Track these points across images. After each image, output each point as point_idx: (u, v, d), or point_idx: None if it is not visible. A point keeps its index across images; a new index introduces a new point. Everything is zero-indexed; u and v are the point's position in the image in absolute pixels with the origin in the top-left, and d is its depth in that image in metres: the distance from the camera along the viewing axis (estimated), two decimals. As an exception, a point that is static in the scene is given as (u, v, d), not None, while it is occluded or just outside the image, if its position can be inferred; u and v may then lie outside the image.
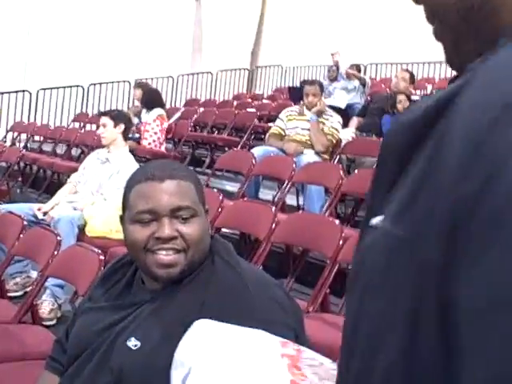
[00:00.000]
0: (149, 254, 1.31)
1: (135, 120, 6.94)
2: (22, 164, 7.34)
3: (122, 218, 1.39)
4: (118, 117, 4.25)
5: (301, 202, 4.82)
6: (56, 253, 2.80)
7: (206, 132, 7.56)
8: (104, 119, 4.25)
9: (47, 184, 6.45)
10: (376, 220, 0.52)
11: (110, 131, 4.21)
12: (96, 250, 2.62)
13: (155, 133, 6.43)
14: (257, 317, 1.25)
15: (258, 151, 4.97)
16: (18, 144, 8.45)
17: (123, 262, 1.47)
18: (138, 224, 1.33)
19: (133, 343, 1.28)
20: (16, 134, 8.66)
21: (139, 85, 7.55)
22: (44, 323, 3.34)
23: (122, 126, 4.24)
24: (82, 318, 1.45)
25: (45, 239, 2.95)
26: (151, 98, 6.71)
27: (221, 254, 1.37)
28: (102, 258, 2.54)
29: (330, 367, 0.93)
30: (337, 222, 3.03)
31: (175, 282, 1.33)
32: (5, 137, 8.81)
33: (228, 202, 3.65)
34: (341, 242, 2.89)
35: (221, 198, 3.59)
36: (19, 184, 7.28)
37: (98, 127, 4.74)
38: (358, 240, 0.58)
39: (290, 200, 4.81)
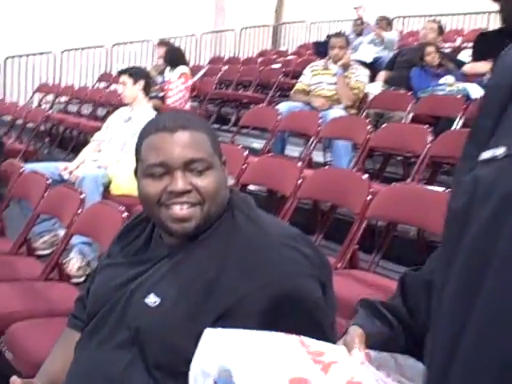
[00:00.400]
0: (162, 208, 1.26)
1: (159, 78, 6.87)
2: (48, 125, 7.38)
3: (136, 172, 1.34)
4: (136, 74, 4.17)
5: (328, 159, 4.75)
6: (80, 211, 2.79)
7: (231, 89, 7.46)
8: (123, 77, 4.18)
9: (74, 144, 6.46)
10: (493, 152, 0.63)
11: (129, 89, 4.15)
12: (119, 207, 2.59)
13: (180, 91, 6.36)
14: (281, 269, 1.21)
15: (283, 107, 4.88)
16: (44, 105, 8.48)
17: (141, 218, 1.43)
18: (150, 178, 1.27)
19: (151, 300, 1.24)
20: (42, 95, 8.69)
21: (162, 43, 7.45)
22: (72, 281, 3.36)
23: (141, 83, 4.17)
24: (100, 274, 1.43)
25: (69, 197, 2.93)
26: (174, 56, 6.62)
27: (241, 207, 1.31)
28: (124, 215, 2.51)
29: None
30: (364, 176, 2.94)
31: (192, 236, 1.28)
32: (31, 98, 8.84)
33: (253, 158, 3.59)
34: (369, 198, 2.81)
35: (246, 154, 3.53)
36: (47, 144, 7.33)
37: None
38: (455, 184, 0.68)
39: (317, 157, 4.74)
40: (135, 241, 1.39)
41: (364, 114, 4.94)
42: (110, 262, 1.42)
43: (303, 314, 1.20)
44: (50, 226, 3.88)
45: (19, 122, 6.85)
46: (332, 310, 1.28)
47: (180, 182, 1.24)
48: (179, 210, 1.26)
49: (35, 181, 3.30)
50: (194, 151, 1.26)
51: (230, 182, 3.78)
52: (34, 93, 8.96)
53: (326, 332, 1.20)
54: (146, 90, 4.21)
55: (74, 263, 3.56)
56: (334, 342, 0.99)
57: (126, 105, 4.33)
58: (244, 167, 3.44)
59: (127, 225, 1.45)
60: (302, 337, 0.90)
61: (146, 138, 1.29)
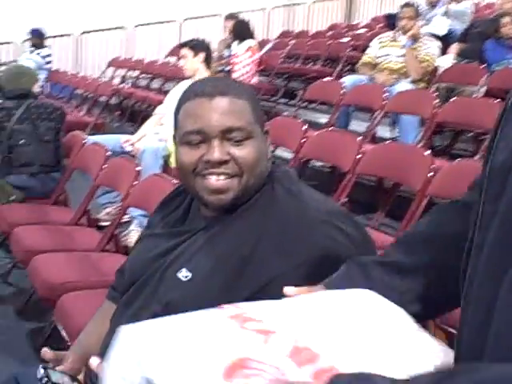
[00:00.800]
0: (198, 178, 1.21)
1: (226, 52, 6.85)
2: (120, 98, 7.51)
3: (174, 139, 1.29)
4: (196, 46, 4.13)
5: (395, 135, 4.61)
6: (136, 183, 2.80)
7: (299, 64, 7.35)
8: (183, 50, 4.15)
9: (142, 117, 6.53)
10: None
11: (190, 62, 4.11)
12: (173, 180, 2.57)
13: (247, 64, 6.31)
14: (318, 248, 1.14)
15: (348, 80, 4.76)
16: (116, 79, 8.64)
17: (182, 189, 1.38)
18: (186, 146, 1.22)
19: (183, 274, 1.20)
20: (114, 69, 8.85)
21: (230, 16, 7.40)
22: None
23: (202, 55, 4.12)
24: (140, 245, 1.41)
25: (126, 169, 2.95)
26: (242, 30, 6.56)
27: (282, 180, 1.25)
28: (178, 187, 2.49)
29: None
30: (426, 152, 2.82)
31: (229, 209, 1.23)
32: (103, 72, 9.01)
33: (312, 132, 3.50)
34: (430, 174, 2.69)
35: (305, 128, 3.45)
36: (117, 118, 7.46)
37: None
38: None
39: (384, 132, 4.61)
40: (174, 212, 1.35)
41: (434, 88, 4.75)
42: (150, 232, 1.40)
43: None
44: (112, 197, 3.93)
45: (91, 95, 7.00)
46: None
47: (217, 152, 1.18)
48: (215, 180, 1.20)
49: (95, 152, 3.34)
50: (232, 119, 1.19)
51: (288, 155, 3.71)
52: (106, 67, 9.13)
53: None
54: (207, 62, 4.16)
55: (133, 235, 3.59)
56: None
57: (188, 78, 4.31)
58: (303, 141, 3.37)
59: (168, 195, 1.41)
60: (236, 305, 0.81)
61: (184, 104, 1.23)
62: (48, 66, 7.97)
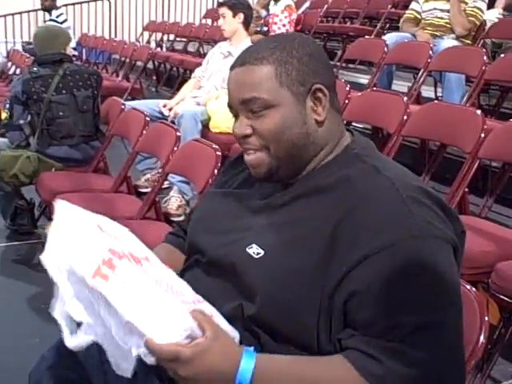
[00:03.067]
0: None
1: (263, 12, 6.71)
2: (156, 63, 7.45)
3: None
4: (236, 6, 3.98)
5: (439, 94, 4.44)
6: (175, 149, 2.74)
7: (338, 22, 7.15)
8: (222, 9, 4.02)
9: (179, 81, 6.47)
10: None
11: (229, 22, 3.99)
12: (213, 145, 2.51)
13: (283, 25, 6.18)
14: (408, 228, 1.02)
15: (390, 38, 4.58)
16: (152, 43, 8.57)
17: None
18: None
19: (254, 251, 1.11)
20: (149, 33, 8.77)
21: (266, -24, 7.22)
22: (172, 219, 3.38)
23: (241, 16, 3.99)
24: (204, 203, 1.37)
25: (165, 135, 2.89)
26: (279, -11, 6.39)
27: (362, 156, 1.15)
28: (218, 153, 2.43)
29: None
30: (478, 111, 2.68)
31: (281, 180, 1.17)
32: (141, 35, 8.95)
33: (356, 93, 3.38)
34: (482, 135, 2.57)
35: (347, 89, 3.33)
36: (154, 82, 7.41)
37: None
38: None
39: (428, 92, 4.44)
40: (242, 173, 1.30)
41: (480, 44, 4.55)
42: (214, 191, 1.37)
43: (429, 285, 1.01)
44: (152, 163, 3.90)
45: (128, 60, 6.95)
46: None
47: (237, 126, 1.16)
48: (247, 155, 1.18)
49: (134, 118, 3.28)
50: (248, 90, 1.13)
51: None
52: (142, 31, 9.06)
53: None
54: (246, 23, 4.03)
55: (173, 202, 3.56)
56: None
57: (226, 39, 4.21)
58: (346, 103, 3.25)
59: (238, 154, 1.34)
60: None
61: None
62: (65, 25, 7.42)
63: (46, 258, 1.04)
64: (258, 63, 1.13)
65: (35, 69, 3.46)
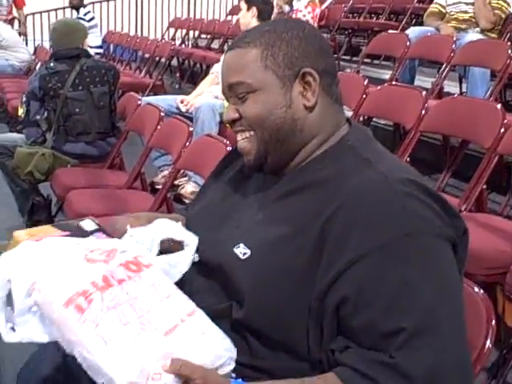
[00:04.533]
0: None
1: (286, 8, 6.64)
2: (180, 59, 7.43)
3: None
4: (251, 0, 3.94)
5: (464, 90, 4.34)
6: (187, 144, 2.70)
7: (362, 18, 7.05)
8: (241, 3, 3.99)
9: (202, 78, 6.43)
10: None
11: (243, 15, 3.95)
12: (224, 140, 2.46)
13: (306, 20, 6.10)
14: (405, 225, 0.97)
15: (413, 32, 4.48)
16: (177, 41, 8.56)
17: None
18: None
19: (241, 251, 1.07)
20: (174, 30, 8.76)
21: (291, -30, 7.15)
22: (184, 200, 3.54)
23: (254, 10, 3.93)
24: (203, 194, 1.35)
25: (178, 130, 2.85)
26: (302, -16, 6.32)
27: (357, 148, 1.09)
28: (229, 148, 2.38)
29: None
30: (498, 106, 2.59)
31: (272, 170, 1.14)
32: (167, 30, 8.95)
33: (374, 87, 3.30)
34: (502, 130, 2.48)
35: (365, 83, 3.26)
36: (178, 79, 7.39)
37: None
38: None
39: (452, 87, 4.35)
40: (237, 166, 1.28)
41: (507, 38, 4.42)
42: (209, 184, 1.36)
43: (426, 285, 0.96)
44: (169, 160, 3.87)
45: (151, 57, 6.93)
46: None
47: (226, 112, 1.15)
48: (239, 140, 1.15)
49: (150, 113, 3.25)
50: (234, 74, 1.12)
51: (348, 113, 3.54)
52: (167, 27, 9.05)
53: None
54: (261, 17, 3.95)
55: (188, 187, 3.61)
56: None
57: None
58: (363, 97, 3.18)
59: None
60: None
61: None
62: (92, 23, 7.37)
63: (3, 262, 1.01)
64: (246, 46, 1.11)
65: (52, 64, 3.44)
